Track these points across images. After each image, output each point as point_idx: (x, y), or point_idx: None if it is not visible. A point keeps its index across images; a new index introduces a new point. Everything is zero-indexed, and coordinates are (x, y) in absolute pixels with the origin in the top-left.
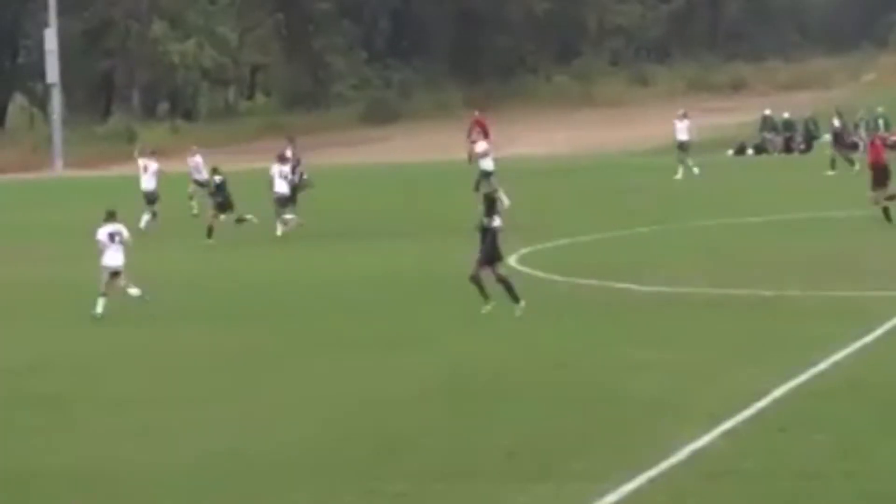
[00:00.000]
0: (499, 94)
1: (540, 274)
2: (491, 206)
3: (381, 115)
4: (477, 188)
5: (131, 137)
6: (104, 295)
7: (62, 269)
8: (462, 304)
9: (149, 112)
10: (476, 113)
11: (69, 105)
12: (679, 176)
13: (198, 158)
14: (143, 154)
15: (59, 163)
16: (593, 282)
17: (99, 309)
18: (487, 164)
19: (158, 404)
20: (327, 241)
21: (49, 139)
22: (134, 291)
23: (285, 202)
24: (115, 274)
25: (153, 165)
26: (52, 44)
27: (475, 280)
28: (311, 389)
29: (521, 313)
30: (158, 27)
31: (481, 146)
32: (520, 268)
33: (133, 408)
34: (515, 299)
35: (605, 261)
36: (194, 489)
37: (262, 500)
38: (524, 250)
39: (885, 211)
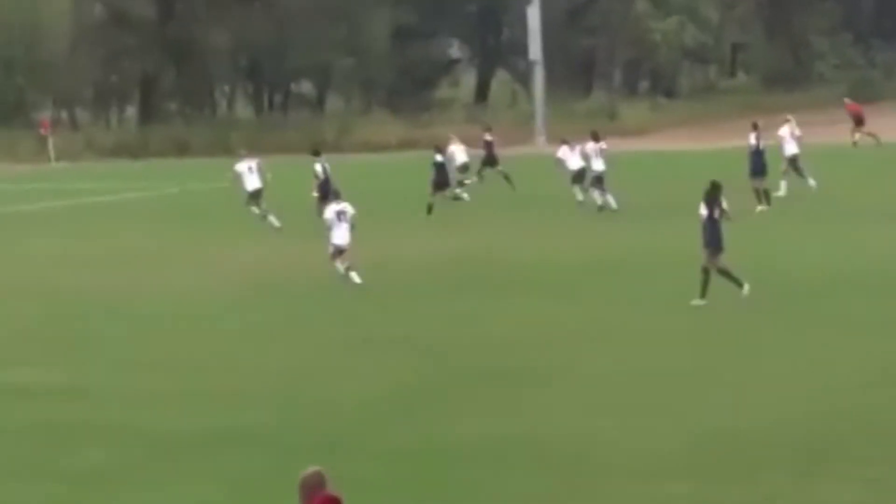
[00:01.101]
0: None
1: None
2: (715, 194)
3: (864, 95)
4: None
5: (612, 115)
6: (347, 268)
7: (526, 244)
8: None
9: (630, 89)
10: (846, 100)
11: (550, 81)
12: None
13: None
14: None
15: (541, 139)
16: None
17: (357, 279)
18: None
19: (637, 381)
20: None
21: (530, 115)
22: (354, 276)
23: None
24: (340, 251)
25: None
26: (534, 21)
27: (703, 271)
28: (789, 370)
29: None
30: (641, 6)
31: (783, 130)
32: None
33: (610, 384)
34: (739, 284)
35: None
36: (671, 466)
37: (736, 476)
38: None
39: None
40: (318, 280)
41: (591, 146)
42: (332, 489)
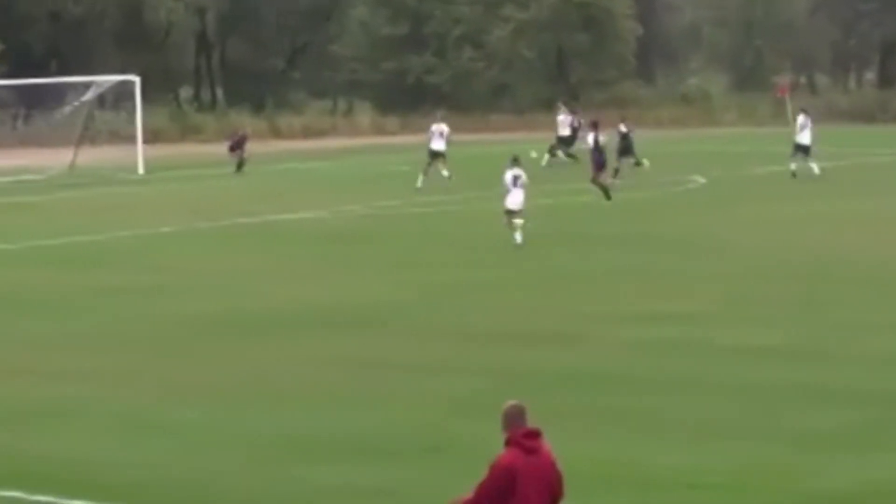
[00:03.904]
0: None
1: None
2: None
3: None
4: None
5: None
6: (512, 228)
7: None
8: None
9: None
10: None
11: None
12: None
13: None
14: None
15: None
16: None
17: (518, 240)
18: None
19: None
20: None
21: None
22: (518, 237)
23: None
24: (512, 213)
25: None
26: None
27: None
28: None
29: None
30: None
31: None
32: None
33: None
34: None
35: None
36: None
37: None
38: None
39: None
40: None
41: None
42: (531, 423)
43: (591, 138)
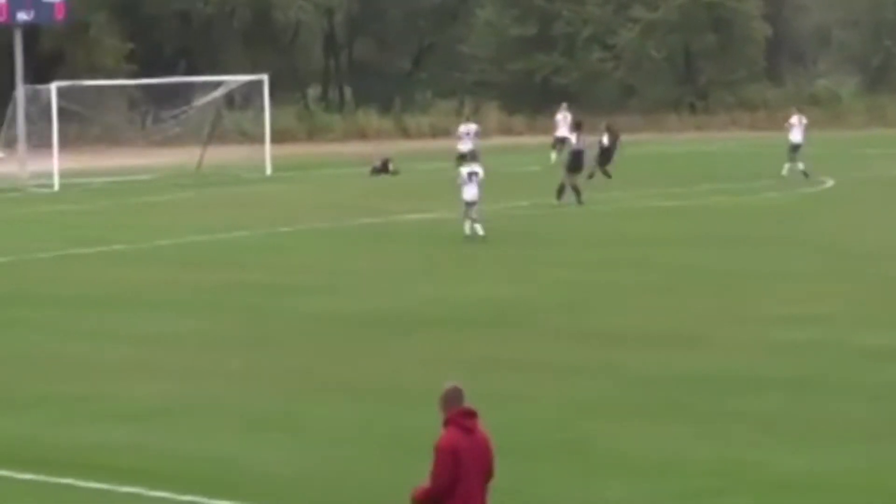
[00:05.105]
0: None
1: None
2: None
3: None
4: None
5: None
6: (468, 219)
7: None
8: None
9: None
10: None
11: None
12: None
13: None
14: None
15: None
16: None
17: (467, 231)
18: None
19: None
20: None
21: None
22: (479, 228)
23: None
24: (470, 204)
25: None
26: None
27: None
28: None
29: None
30: None
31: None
32: None
33: None
34: None
35: None
36: None
37: None
38: None
39: None
40: None
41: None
42: (468, 404)
43: (574, 139)
